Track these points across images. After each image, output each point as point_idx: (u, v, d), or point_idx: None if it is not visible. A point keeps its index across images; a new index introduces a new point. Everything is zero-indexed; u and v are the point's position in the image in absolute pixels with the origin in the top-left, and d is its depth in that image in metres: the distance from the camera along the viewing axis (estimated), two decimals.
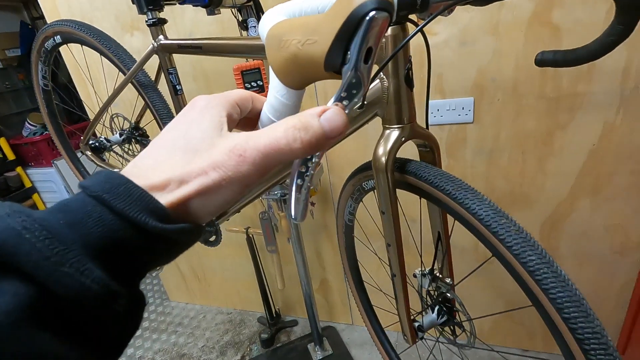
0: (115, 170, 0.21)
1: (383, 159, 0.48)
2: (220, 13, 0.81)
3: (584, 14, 0.81)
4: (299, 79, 0.27)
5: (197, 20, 1.12)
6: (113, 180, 0.19)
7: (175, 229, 0.20)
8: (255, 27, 0.90)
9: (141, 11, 0.66)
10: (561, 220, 1.04)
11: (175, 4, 0.68)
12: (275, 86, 0.29)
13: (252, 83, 0.87)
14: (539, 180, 1.01)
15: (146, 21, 0.69)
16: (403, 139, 0.48)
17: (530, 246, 0.42)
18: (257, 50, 0.56)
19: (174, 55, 0.77)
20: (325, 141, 0.22)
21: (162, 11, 0.69)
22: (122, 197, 0.19)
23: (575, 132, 0.93)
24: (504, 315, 1.25)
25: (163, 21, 0.71)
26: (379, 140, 0.49)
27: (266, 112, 0.29)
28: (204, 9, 0.80)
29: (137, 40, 1.20)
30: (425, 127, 0.52)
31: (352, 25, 0.22)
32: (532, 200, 1.04)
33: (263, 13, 0.89)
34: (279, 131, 0.21)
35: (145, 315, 1.79)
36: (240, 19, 0.91)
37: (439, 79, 0.97)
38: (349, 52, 0.23)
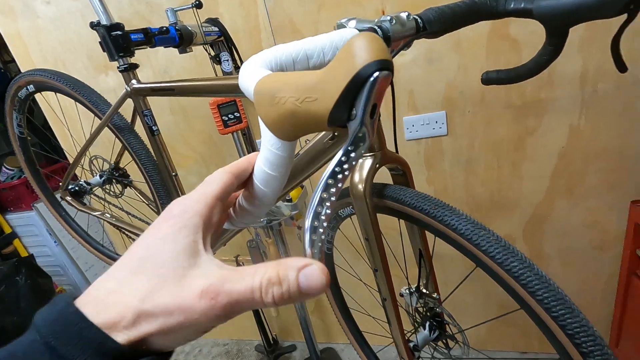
0: (71, 298, 0.20)
1: (360, 187, 0.50)
2: (192, 51, 0.83)
3: (538, 26, 0.86)
4: (294, 132, 0.28)
5: (171, 56, 1.13)
6: (66, 319, 0.18)
7: None
8: (228, 60, 0.92)
9: (112, 58, 0.68)
10: (542, 222, 1.07)
11: (146, 48, 0.70)
12: (268, 140, 0.29)
13: (229, 115, 0.88)
14: (516, 185, 1.04)
15: (118, 67, 0.70)
16: (377, 165, 0.50)
17: (511, 253, 0.44)
18: (231, 89, 0.58)
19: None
20: (299, 297, 0.20)
21: (133, 56, 0.71)
22: (72, 340, 0.18)
23: (544, 136, 0.97)
24: (496, 311, 1.26)
25: (134, 66, 0.72)
26: (354, 169, 0.51)
27: (261, 165, 0.29)
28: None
29: (112, 80, 1.21)
30: (395, 151, 0.54)
31: (357, 85, 0.23)
32: (512, 205, 1.07)
33: (234, 46, 0.91)
34: (256, 281, 0.20)
35: None
36: (213, 54, 0.93)
37: (411, 96, 1.01)
38: (354, 109, 0.24)
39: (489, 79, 0.51)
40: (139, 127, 0.80)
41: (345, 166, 0.25)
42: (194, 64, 1.12)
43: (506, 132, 0.99)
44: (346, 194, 0.56)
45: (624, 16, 0.39)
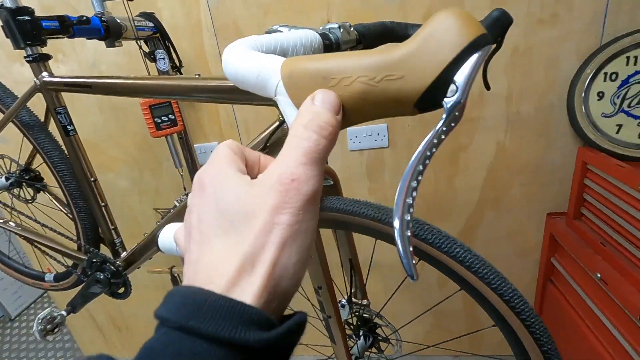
0: (184, 286, 0.18)
1: None
2: (121, 45, 0.76)
3: None
4: (354, 119, 0.24)
5: (101, 49, 1.04)
6: (194, 301, 0.17)
7: (282, 333, 0.17)
8: (164, 59, 0.86)
9: (17, 46, 0.59)
10: (473, 230, 1.14)
11: (63, 38, 0.62)
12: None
13: (163, 117, 0.82)
14: (451, 196, 1.10)
15: (25, 57, 0.61)
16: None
17: (455, 242, 0.51)
18: (161, 91, 0.53)
19: None
20: (336, 121, 0.22)
21: (45, 45, 0.63)
22: (209, 317, 0.16)
23: (475, 152, 1.03)
24: (432, 316, 1.31)
25: (46, 57, 0.64)
26: None
27: None
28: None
29: (29, 70, 1.07)
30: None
31: (462, 60, 0.21)
32: (447, 214, 1.13)
33: (172, 44, 0.86)
34: (299, 135, 0.20)
35: None
36: (147, 50, 0.86)
37: None
38: (452, 85, 0.21)
39: None
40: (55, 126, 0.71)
41: (434, 150, 0.23)
42: (127, 59, 1.03)
43: (442, 146, 1.04)
44: None
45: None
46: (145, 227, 1.30)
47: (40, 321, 0.78)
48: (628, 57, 0.85)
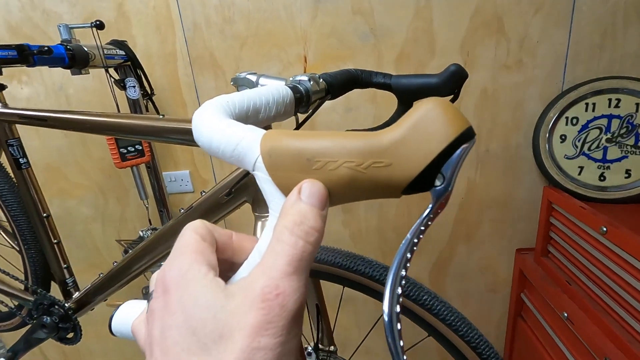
0: None
1: None
2: (88, 73, 0.74)
3: None
4: (337, 202, 0.23)
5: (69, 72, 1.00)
6: None
7: None
8: (134, 87, 0.84)
9: None
10: (445, 265, 1.14)
11: (23, 67, 0.59)
12: None
13: (129, 148, 0.79)
14: None
15: None
16: None
17: (421, 288, 0.51)
18: (122, 130, 0.50)
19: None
20: (323, 222, 0.20)
21: (1, 74, 0.59)
22: None
23: None
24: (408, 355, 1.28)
25: (1, 87, 0.60)
26: (255, 229, 0.47)
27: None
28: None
29: None
30: None
31: (448, 154, 0.21)
32: (420, 249, 1.13)
33: (144, 73, 0.84)
34: (284, 241, 0.18)
35: None
36: (117, 78, 0.84)
37: None
38: (440, 174, 0.22)
39: None
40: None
41: (421, 237, 0.23)
42: (97, 84, 1.00)
43: None
44: None
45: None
46: (108, 258, 1.22)
47: None
48: (587, 104, 0.90)
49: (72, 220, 1.17)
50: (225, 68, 0.97)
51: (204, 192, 0.46)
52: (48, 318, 0.65)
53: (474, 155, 1.01)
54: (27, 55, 0.56)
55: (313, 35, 0.93)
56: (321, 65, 0.95)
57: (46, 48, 0.57)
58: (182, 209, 0.49)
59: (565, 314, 0.86)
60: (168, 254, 0.60)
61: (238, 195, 0.45)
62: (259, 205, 0.46)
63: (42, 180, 1.13)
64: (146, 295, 0.94)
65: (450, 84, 0.47)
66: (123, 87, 0.83)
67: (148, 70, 0.98)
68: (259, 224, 0.47)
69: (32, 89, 1.02)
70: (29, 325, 0.72)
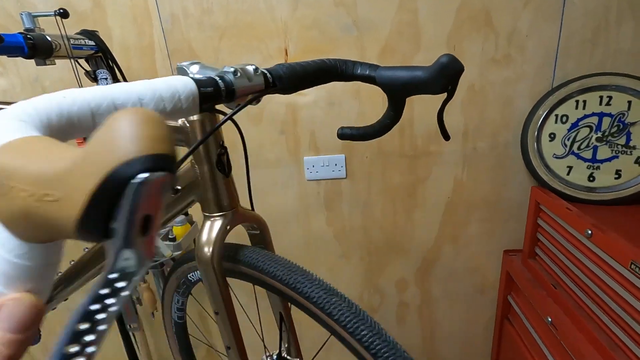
0: None
1: (207, 250, 0.43)
2: (54, 64, 0.71)
3: None
4: (42, 234, 0.19)
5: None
6: None
7: None
8: (106, 79, 0.81)
9: None
10: (431, 265, 1.11)
11: None
12: (3, 243, 0.19)
13: None
14: (409, 230, 1.07)
15: None
16: (227, 227, 0.44)
17: (362, 320, 0.43)
18: None
19: None
20: (21, 346, 0.16)
21: None
22: None
23: (433, 186, 1.02)
24: None
25: None
26: (202, 230, 0.45)
27: None
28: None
29: None
30: (250, 208, 0.49)
31: (112, 190, 0.15)
32: (406, 249, 1.10)
33: (117, 64, 0.81)
34: None
35: None
36: (89, 69, 0.81)
37: (312, 136, 0.99)
38: (113, 222, 0.16)
39: (343, 134, 0.54)
40: None
41: (111, 301, 0.17)
42: (74, 76, 0.97)
43: (400, 179, 1.02)
44: (192, 257, 0.49)
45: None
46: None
47: None
48: (577, 101, 0.86)
49: None
50: (204, 60, 0.94)
51: None
52: None
53: (460, 154, 0.98)
54: None
55: (294, 27, 0.90)
56: (302, 57, 0.91)
57: None
58: None
59: (550, 319, 0.84)
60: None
61: (186, 194, 0.43)
62: (208, 205, 0.43)
63: None
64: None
65: (442, 78, 0.41)
66: (94, 79, 0.80)
67: (125, 63, 0.95)
68: (208, 223, 0.44)
69: (7, 80, 1.00)
70: None
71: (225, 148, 0.43)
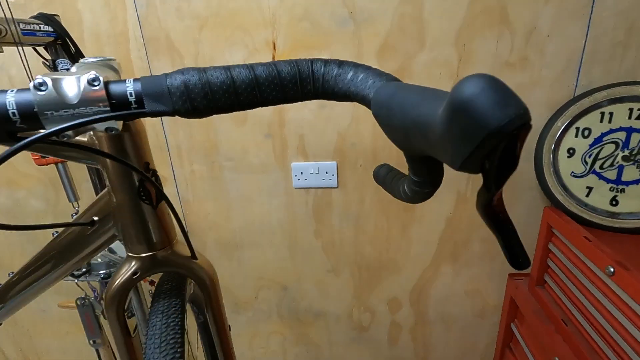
0: None
1: (109, 295, 0.33)
2: (2, 51, 0.62)
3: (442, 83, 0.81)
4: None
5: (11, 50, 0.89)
6: None
7: None
8: (68, 69, 0.72)
9: None
10: (427, 286, 1.02)
11: None
12: None
13: None
14: (404, 247, 0.98)
15: None
16: (136, 275, 0.34)
17: None
18: None
19: None
20: None
21: None
22: None
23: (433, 201, 0.92)
24: None
25: None
26: (119, 273, 0.35)
27: None
28: None
29: None
30: (191, 255, 0.38)
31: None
32: (400, 267, 1.00)
33: (78, 50, 0.72)
34: None
35: None
36: (49, 57, 0.72)
37: (301, 140, 0.90)
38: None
39: (376, 176, 0.38)
40: None
41: None
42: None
43: None
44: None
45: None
46: None
47: None
48: (602, 113, 0.75)
49: (22, 212, 1.08)
50: (183, 52, 0.85)
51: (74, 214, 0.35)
52: None
53: None
54: None
55: (283, 18, 0.80)
56: (292, 53, 0.82)
57: None
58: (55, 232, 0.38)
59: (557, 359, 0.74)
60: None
61: (102, 226, 0.34)
62: (134, 243, 0.34)
63: None
64: (80, 307, 0.84)
65: (458, 140, 0.18)
66: (54, 69, 0.71)
67: (97, 51, 0.86)
68: (125, 262, 0.34)
69: None
70: None
71: (153, 171, 0.34)
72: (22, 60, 0.63)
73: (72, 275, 0.77)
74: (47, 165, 0.68)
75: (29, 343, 1.29)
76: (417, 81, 0.81)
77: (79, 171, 0.99)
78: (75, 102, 0.24)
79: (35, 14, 0.69)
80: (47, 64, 0.71)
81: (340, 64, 0.30)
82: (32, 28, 0.65)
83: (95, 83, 0.24)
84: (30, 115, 0.23)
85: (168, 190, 0.99)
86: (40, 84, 0.23)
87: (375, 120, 0.28)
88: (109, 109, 0.25)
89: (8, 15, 0.59)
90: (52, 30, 0.68)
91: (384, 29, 0.78)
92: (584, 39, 0.75)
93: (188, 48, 0.84)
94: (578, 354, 0.70)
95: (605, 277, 0.64)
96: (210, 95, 0.26)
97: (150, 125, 0.93)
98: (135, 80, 0.26)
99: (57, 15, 0.71)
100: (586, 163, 0.78)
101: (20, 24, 0.63)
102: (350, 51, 0.80)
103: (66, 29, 0.72)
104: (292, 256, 1.03)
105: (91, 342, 0.82)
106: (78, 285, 0.81)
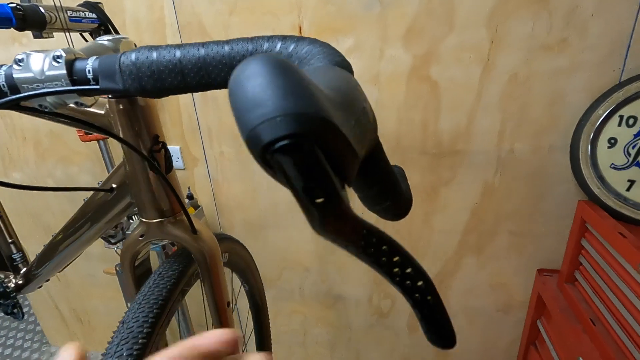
0: None
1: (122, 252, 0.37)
2: (52, 37, 0.69)
3: (459, 72, 0.78)
4: None
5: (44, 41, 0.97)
6: None
7: None
8: None
9: None
10: (449, 277, 1.00)
11: None
12: None
13: None
14: (426, 236, 0.96)
15: None
16: (142, 237, 0.37)
17: None
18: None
19: None
20: None
21: None
22: None
23: (457, 190, 0.90)
24: None
25: None
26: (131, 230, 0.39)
27: None
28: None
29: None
30: (191, 229, 0.40)
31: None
32: (421, 256, 0.99)
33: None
34: None
35: None
36: None
37: None
38: None
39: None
40: None
41: None
42: None
43: (420, 179, 0.91)
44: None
45: None
46: None
47: None
48: None
49: (75, 185, 1.19)
50: (214, 36, 0.88)
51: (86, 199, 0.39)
52: None
53: (493, 155, 0.84)
54: None
55: (309, 2, 0.80)
56: (318, 36, 0.82)
57: None
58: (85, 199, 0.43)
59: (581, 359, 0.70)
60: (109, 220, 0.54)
61: (120, 194, 0.38)
62: (145, 209, 0.37)
63: (47, 146, 1.15)
64: (119, 272, 0.92)
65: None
66: None
67: (137, 38, 0.92)
68: (134, 225, 0.38)
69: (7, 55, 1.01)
70: None
71: (163, 143, 0.37)
72: (68, 43, 0.69)
73: (112, 243, 0.85)
74: (90, 142, 0.75)
75: (80, 304, 1.44)
76: (444, 66, 0.78)
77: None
78: (41, 77, 0.26)
79: (81, 2, 0.75)
80: None
81: (299, 40, 0.27)
82: (78, 15, 0.71)
83: (59, 60, 0.26)
84: (14, 88, 0.26)
85: (199, 170, 1.04)
86: (20, 60, 0.26)
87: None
88: (70, 84, 0.26)
89: (57, 3, 0.65)
90: (96, 17, 0.74)
91: (412, 10, 0.76)
92: (634, 18, 0.68)
93: (219, 32, 0.88)
94: (604, 355, 0.67)
95: (637, 275, 0.60)
96: (157, 75, 0.25)
97: (185, 107, 0.98)
98: (96, 58, 0.27)
99: (101, 3, 0.76)
100: (629, 154, 0.72)
101: (68, 12, 0.69)
102: (375, 35, 0.79)
103: (109, 16, 0.78)
104: (315, 238, 1.05)
105: (128, 305, 0.91)
106: (117, 253, 0.89)
